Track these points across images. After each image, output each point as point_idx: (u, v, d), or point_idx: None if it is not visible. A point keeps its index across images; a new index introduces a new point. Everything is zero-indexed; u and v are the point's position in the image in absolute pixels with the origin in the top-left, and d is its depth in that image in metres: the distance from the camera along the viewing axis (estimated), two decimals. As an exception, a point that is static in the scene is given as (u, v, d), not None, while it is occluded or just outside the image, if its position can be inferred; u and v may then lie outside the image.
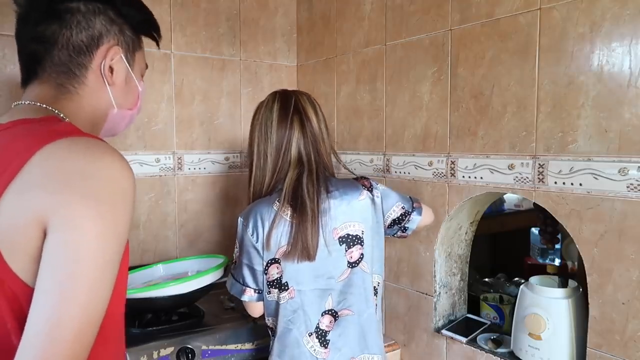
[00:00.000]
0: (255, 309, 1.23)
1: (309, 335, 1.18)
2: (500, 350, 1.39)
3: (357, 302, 1.21)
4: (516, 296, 1.37)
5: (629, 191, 1.08)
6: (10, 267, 0.61)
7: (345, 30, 1.88)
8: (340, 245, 1.18)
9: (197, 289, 1.45)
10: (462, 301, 1.66)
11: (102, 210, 0.62)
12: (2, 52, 1.54)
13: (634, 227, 1.07)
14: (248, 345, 1.52)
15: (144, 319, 1.50)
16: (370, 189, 1.26)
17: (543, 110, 1.23)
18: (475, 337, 1.47)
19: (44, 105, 0.72)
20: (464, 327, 1.56)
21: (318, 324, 1.19)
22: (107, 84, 0.77)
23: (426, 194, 1.55)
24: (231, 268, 1.26)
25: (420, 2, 1.55)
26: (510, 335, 1.38)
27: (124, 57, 0.78)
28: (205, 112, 1.94)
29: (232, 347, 1.49)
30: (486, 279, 1.89)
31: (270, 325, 1.22)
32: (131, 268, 1.64)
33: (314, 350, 1.18)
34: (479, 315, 1.63)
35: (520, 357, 1.32)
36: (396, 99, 1.66)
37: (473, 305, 1.68)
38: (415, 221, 1.31)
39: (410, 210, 1.31)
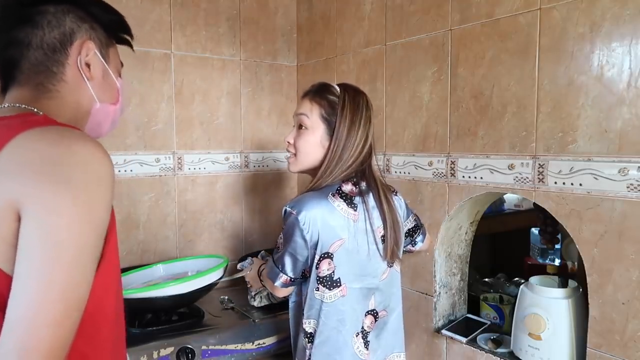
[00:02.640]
0: (282, 293, 1.21)
1: (356, 336, 1.16)
2: (500, 350, 1.39)
3: (392, 303, 1.24)
4: (516, 296, 1.37)
5: (629, 191, 1.08)
6: None
7: (345, 30, 1.88)
8: (383, 244, 1.19)
9: (197, 289, 1.45)
10: (462, 301, 1.66)
11: (75, 195, 0.62)
12: None
13: (634, 228, 1.07)
14: (248, 345, 1.52)
15: (144, 319, 1.50)
16: (395, 192, 1.30)
17: (543, 110, 1.23)
18: (475, 337, 1.47)
19: (24, 106, 0.74)
20: (464, 327, 1.56)
21: (362, 324, 1.18)
22: (85, 78, 0.79)
23: (426, 194, 1.55)
24: (273, 253, 1.24)
25: (420, 2, 1.55)
26: (510, 335, 1.38)
27: (98, 53, 0.80)
28: (205, 112, 1.94)
29: (232, 347, 1.49)
30: (486, 279, 1.88)
31: (310, 330, 1.16)
32: (131, 268, 1.65)
33: (359, 351, 1.16)
34: (479, 315, 1.63)
35: (520, 357, 1.32)
36: (396, 99, 1.66)
37: (473, 305, 1.68)
38: (425, 234, 1.39)
39: (419, 225, 1.37)
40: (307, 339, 1.16)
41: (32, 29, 0.73)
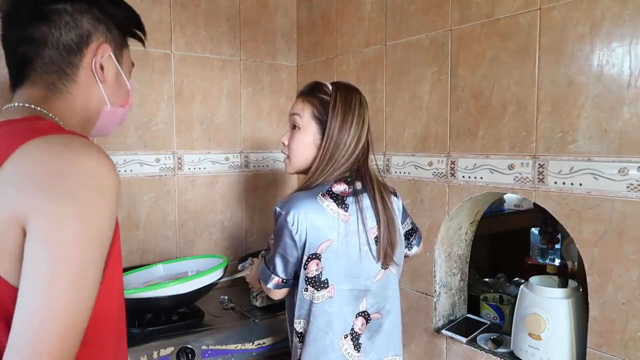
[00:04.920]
0: (277, 295, 1.20)
1: (344, 338, 1.14)
2: (500, 350, 1.39)
3: (387, 305, 1.21)
4: (516, 296, 1.37)
5: (629, 191, 1.08)
6: None
7: (345, 30, 1.88)
8: (376, 245, 1.16)
9: (197, 289, 1.45)
10: (462, 301, 1.66)
11: (79, 208, 0.61)
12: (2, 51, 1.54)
13: (634, 227, 1.08)
14: (248, 345, 1.52)
15: (144, 319, 1.50)
16: (394, 193, 1.28)
17: (543, 110, 1.23)
18: (475, 337, 1.47)
19: (33, 106, 0.73)
20: (464, 327, 1.56)
21: (352, 325, 1.16)
22: (98, 81, 0.78)
23: (426, 194, 1.55)
24: (265, 254, 1.22)
25: (420, 2, 1.55)
26: (510, 335, 1.38)
27: (112, 55, 0.80)
28: (205, 112, 1.94)
29: (232, 347, 1.49)
30: (486, 279, 1.88)
31: (300, 330, 1.15)
32: (131, 268, 1.65)
33: (348, 353, 1.14)
34: (479, 315, 1.63)
35: (520, 357, 1.32)
36: (396, 99, 1.66)
37: (473, 305, 1.68)
38: (420, 238, 1.35)
39: (415, 229, 1.34)
40: (298, 339, 1.16)
41: (48, 28, 0.72)
